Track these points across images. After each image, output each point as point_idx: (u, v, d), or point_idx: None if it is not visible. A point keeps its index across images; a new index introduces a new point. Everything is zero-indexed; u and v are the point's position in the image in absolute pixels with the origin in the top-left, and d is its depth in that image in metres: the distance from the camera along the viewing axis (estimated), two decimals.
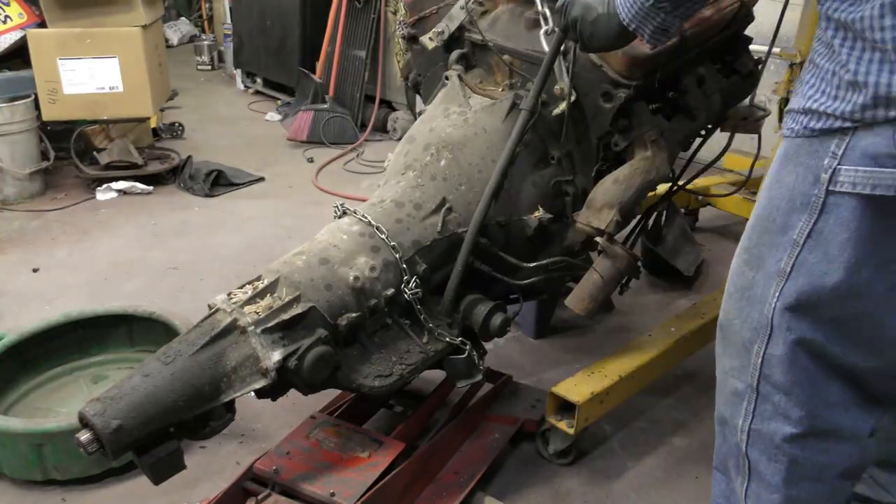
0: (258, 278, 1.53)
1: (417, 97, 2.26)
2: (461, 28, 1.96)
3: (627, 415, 2.22)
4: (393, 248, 1.63)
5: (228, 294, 1.49)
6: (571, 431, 1.89)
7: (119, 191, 3.84)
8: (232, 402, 1.43)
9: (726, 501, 1.42)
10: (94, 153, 3.94)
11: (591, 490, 1.93)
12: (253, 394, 1.45)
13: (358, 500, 1.53)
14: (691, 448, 2.11)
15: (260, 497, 1.57)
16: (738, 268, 1.27)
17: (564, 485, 1.94)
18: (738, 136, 2.33)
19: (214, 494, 1.61)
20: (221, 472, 1.94)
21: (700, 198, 3.41)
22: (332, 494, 1.53)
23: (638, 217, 2.29)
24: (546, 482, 1.94)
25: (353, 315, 1.55)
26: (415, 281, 1.64)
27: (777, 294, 1.19)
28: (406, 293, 1.63)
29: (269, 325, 1.43)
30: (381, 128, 4.95)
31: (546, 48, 1.73)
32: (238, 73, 6.17)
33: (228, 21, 6.37)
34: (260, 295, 1.48)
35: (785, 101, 3.01)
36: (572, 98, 1.72)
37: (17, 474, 1.89)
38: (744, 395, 1.28)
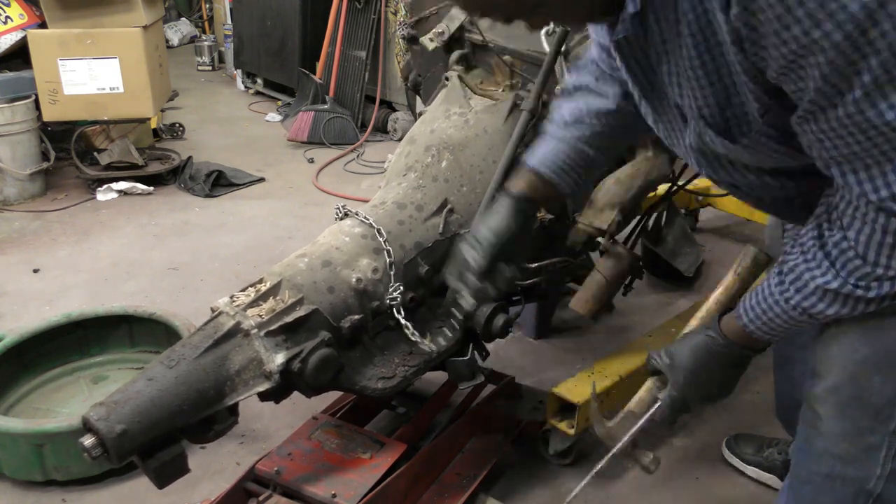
0: (260, 281, 1.53)
1: (418, 98, 2.26)
2: (461, 28, 1.96)
3: None
4: (388, 251, 1.62)
5: (231, 297, 1.48)
6: (572, 432, 1.89)
7: (119, 191, 3.84)
8: (236, 405, 1.42)
9: None
10: (95, 154, 3.94)
11: (591, 491, 1.93)
12: (256, 396, 1.45)
13: (360, 501, 1.52)
14: (691, 448, 2.11)
15: (261, 498, 1.56)
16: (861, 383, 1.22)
17: (565, 485, 1.94)
18: None
19: (215, 495, 1.61)
20: (222, 473, 1.94)
21: (700, 198, 3.41)
22: (334, 496, 1.53)
23: (637, 218, 2.29)
24: (547, 483, 1.95)
25: (356, 317, 1.54)
26: (398, 288, 1.61)
27: None
28: (385, 299, 1.61)
29: (273, 327, 1.43)
30: (382, 128, 4.95)
31: (547, 49, 1.73)
32: (238, 73, 6.17)
33: (229, 21, 6.38)
34: (263, 298, 1.47)
35: None
36: None
37: (17, 475, 1.89)
38: (880, 445, 1.26)
